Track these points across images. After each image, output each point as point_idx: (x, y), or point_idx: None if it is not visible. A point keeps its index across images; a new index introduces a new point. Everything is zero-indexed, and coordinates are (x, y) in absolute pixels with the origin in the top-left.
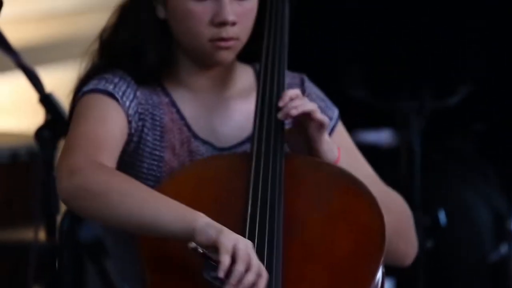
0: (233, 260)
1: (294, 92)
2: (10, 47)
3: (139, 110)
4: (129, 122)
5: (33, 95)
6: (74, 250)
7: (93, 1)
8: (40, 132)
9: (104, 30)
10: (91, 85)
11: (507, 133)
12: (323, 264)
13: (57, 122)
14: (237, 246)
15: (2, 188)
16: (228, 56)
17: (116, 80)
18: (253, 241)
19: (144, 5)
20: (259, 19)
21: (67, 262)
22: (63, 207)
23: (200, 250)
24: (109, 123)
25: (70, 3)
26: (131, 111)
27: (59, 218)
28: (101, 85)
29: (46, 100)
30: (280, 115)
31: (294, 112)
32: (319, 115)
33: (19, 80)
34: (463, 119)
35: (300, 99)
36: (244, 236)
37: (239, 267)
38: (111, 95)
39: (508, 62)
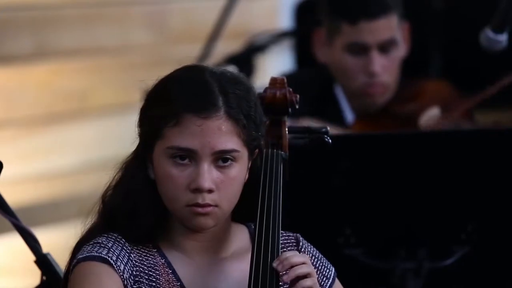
0: None
1: (296, 259)
2: (8, 209)
3: (134, 273)
4: (125, 286)
5: (29, 256)
6: None
7: (89, 161)
8: None
9: (106, 189)
10: (85, 252)
11: None
12: None
13: (53, 283)
14: None
15: None
16: (207, 222)
17: (110, 244)
18: None
19: (138, 165)
20: (253, 181)
21: None
22: None
23: None
24: None
25: (67, 164)
26: (126, 274)
27: None
28: (95, 251)
29: (42, 261)
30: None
31: (286, 278)
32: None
33: (15, 241)
34: (460, 280)
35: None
36: None
37: None
38: (105, 260)
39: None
